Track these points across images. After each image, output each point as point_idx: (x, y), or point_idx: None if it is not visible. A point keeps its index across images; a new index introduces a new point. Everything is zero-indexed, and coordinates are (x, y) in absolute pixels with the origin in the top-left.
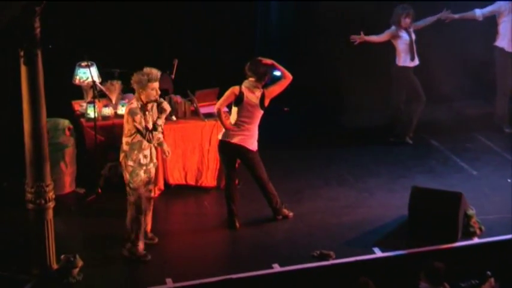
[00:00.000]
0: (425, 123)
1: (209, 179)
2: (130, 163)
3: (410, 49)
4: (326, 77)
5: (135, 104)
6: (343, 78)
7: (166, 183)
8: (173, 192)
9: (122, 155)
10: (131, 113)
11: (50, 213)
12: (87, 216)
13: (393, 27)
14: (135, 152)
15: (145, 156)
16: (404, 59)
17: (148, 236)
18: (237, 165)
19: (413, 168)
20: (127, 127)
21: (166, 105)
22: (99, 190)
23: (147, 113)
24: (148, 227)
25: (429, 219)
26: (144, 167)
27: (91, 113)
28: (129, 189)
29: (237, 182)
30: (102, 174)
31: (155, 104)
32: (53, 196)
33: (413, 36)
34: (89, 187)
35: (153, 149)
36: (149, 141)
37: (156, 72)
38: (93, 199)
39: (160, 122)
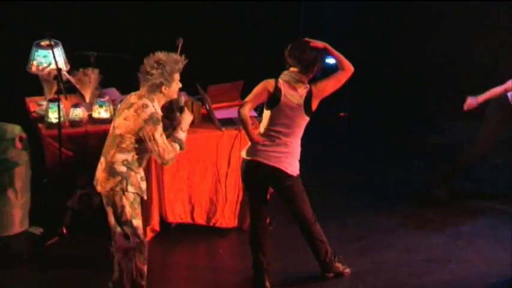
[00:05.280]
0: None
1: (227, 217)
2: (131, 189)
3: None
4: (398, 72)
5: (151, 108)
6: (422, 76)
7: (163, 222)
8: (174, 235)
9: (114, 180)
10: (154, 120)
11: None
12: (45, 267)
13: None
14: (133, 172)
15: (142, 179)
16: None
17: None
18: (268, 196)
19: None
20: (130, 138)
21: (182, 99)
22: (64, 230)
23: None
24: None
25: None
26: (145, 194)
27: (54, 116)
28: (129, 229)
29: (268, 221)
30: (68, 207)
31: None
32: None
33: None
34: (48, 225)
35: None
36: (168, 162)
37: (178, 57)
38: (55, 243)
39: (184, 135)
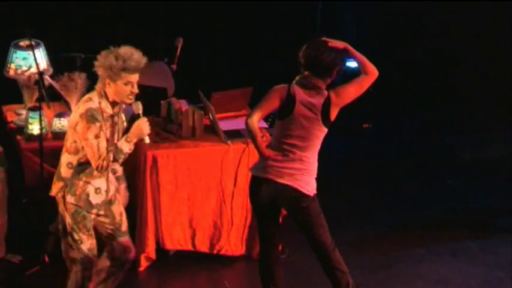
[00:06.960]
0: None
1: (233, 243)
2: (70, 200)
3: None
4: (429, 78)
5: (95, 103)
6: (456, 82)
7: (160, 249)
8: (172, 264)
9: (58, 184)
10: (89, 116)
11: None
12: None
13: None
14: (81, 181)
15: (97, 191)
16: None
17: None
18: (280, 219)
19: None
20: (71, 135)
21: (138, 107)
22: (46, 258)
23: (112, 120)
24: None
25: None
26: (96, 210)
27: (35, 127)
28: (71, 241)
29: (280, 248)
30: (50, 231)
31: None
32: None
33: None
34: (29, 252)
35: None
36: (99, 169)
37: (138, 58)
38: (36, 272)
39: (128, 146)
